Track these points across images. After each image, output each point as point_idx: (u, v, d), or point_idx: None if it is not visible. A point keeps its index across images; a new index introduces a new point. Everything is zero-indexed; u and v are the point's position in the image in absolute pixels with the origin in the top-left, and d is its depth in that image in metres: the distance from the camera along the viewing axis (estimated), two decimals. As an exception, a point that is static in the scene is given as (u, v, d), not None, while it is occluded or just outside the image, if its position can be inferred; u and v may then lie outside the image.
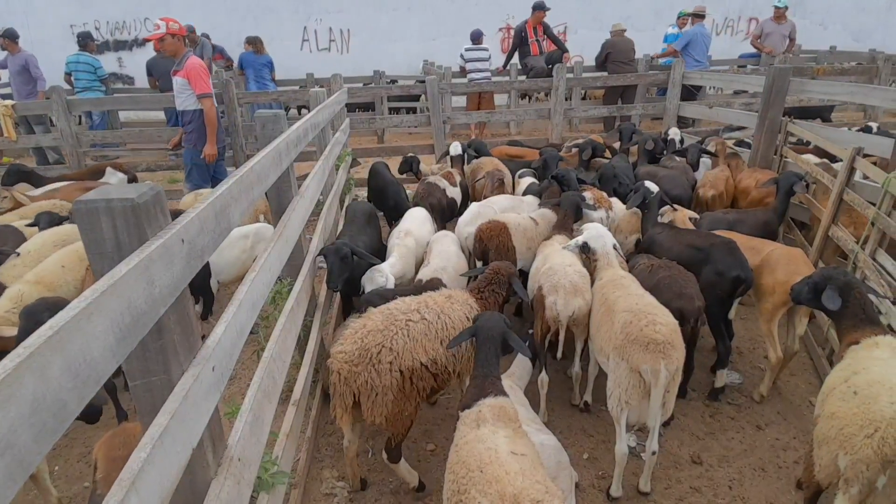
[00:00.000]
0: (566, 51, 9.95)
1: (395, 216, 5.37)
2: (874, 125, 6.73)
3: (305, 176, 4.01)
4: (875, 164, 4.61)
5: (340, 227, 4.85)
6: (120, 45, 14.34)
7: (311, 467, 3.14)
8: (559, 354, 3.34)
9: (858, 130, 6.28)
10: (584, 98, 11.96)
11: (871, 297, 2.86)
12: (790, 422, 3.45)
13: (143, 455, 1.29)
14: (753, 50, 11.07)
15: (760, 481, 3.01)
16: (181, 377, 1.60)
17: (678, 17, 9.63)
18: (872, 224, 3.77)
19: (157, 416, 1.43)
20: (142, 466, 1.26)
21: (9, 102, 7.13)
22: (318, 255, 3.75)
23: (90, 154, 7.30)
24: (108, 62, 13.68)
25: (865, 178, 4.37)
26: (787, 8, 10.31)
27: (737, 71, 10.03)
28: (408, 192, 5.82)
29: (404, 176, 6.51)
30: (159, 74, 9.73)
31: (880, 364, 2.36)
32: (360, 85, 11.49)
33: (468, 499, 1.88)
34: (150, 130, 7.67)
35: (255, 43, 9.75)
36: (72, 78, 9.26)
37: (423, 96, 12.49)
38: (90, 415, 2.83)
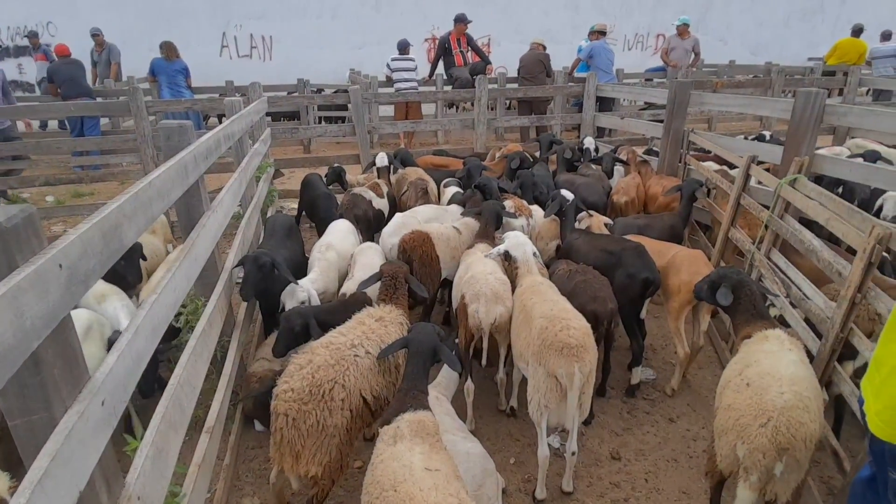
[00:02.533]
0: (489, 62, 10.21)
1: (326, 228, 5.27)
2: (767, 133, 7.37)
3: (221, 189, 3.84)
4: (768, 170, 5.05)
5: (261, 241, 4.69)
6: (20, 51, 13.22)
7: (230, 496, 2.98)
8: (484, 361, 3.38)
9: (754, 138, 6.84)
10: (508, 108, 12.27)
11: (767, 294, 3.11)
12: (699, 412, 3.68)
13: (22, 501, 1.18)
14: (660, 64, 11.85)
15: (674, 472, 3.19)
16: (65, 414, 1.47)
17: (590, 33, 10.19)
18: (766, 226, 4.11)
19: (37, 458, 1.31)
20: (17, 516, 1.15)
21: None
22: (237, 265, 3.59)
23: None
24: (8, 69, 12.59)
25: (760, 183, 4.77)
26: (688, 25, 11.15)
27: (644, 84, 10.70)
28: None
29: (330, 188, 6.39)
30: (61, 81, 9.04)
31: (770, 356, 2.56)
32: (284, 93, 11.20)
33: None
34: (48, 141, 7.05)
35: (165, 48, 9.26)
36: None
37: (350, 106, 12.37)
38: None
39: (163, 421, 2.06)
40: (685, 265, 3.63)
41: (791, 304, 3.54)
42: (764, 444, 2.23)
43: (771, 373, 2.42)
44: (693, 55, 11.29)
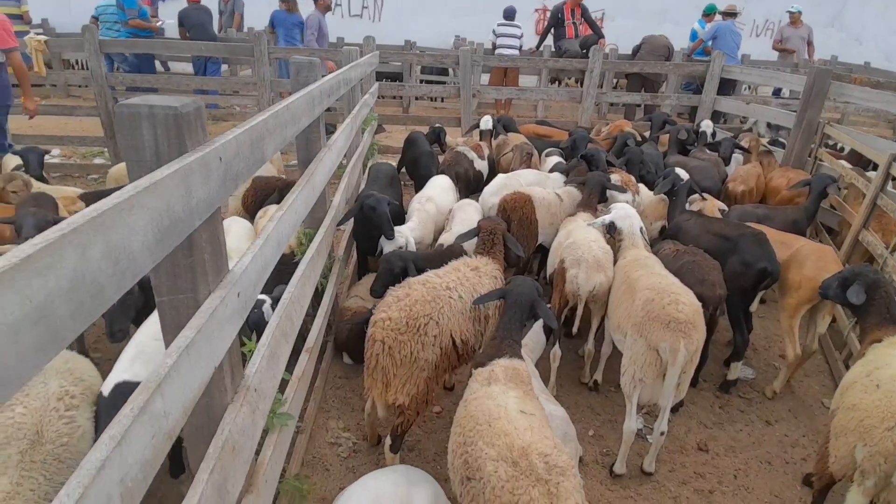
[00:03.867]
0: (602, 36, 9.75)
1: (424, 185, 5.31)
2: (908, 138, 6.56)
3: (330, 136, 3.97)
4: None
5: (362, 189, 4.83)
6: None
7: (318, 416, 3.16)
8: (575, 330, 3.31)
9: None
10: (615, 87, 11.75)
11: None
12: (800, 420, 3.41)
13: (170, 362, 1.29)
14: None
15: (766, 474, 2.99)
16: (208, 297, 1.59)
17: (705, 14, 9.39)
18: (905, 231, 3.68)
19: (185, 329, 1.43)
20: (168, 372, 1.26)
21: (42, 37, 7.13)
22: (345, 219, 3.72)
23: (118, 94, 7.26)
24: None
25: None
26: (800, 13, 10.21)
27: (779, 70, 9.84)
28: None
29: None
30: (190, 26, 9.66)
31: (905, 363, 2.31)
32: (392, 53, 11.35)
33: (475, 450, 1.88)
34: (177, 77, 7.65)
35: (288, 1, 9.62)
36: (98, 22, 9.22)
37: (451, 72, 12.35)
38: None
39: (277, 329, 2.19)
40: (811, 260, 3.32)
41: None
42: (888, 448, 2.04)
43: (906, 379, 2.18)
44: (807, 45, 10.29)
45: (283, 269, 2.74)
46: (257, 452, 2.07)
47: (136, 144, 1.41)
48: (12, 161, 4.80)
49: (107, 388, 2.25)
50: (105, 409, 2.19)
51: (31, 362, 0.85)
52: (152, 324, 2.55)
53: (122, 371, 2.32)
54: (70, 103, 9.74)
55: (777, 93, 9.93)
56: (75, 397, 2.13)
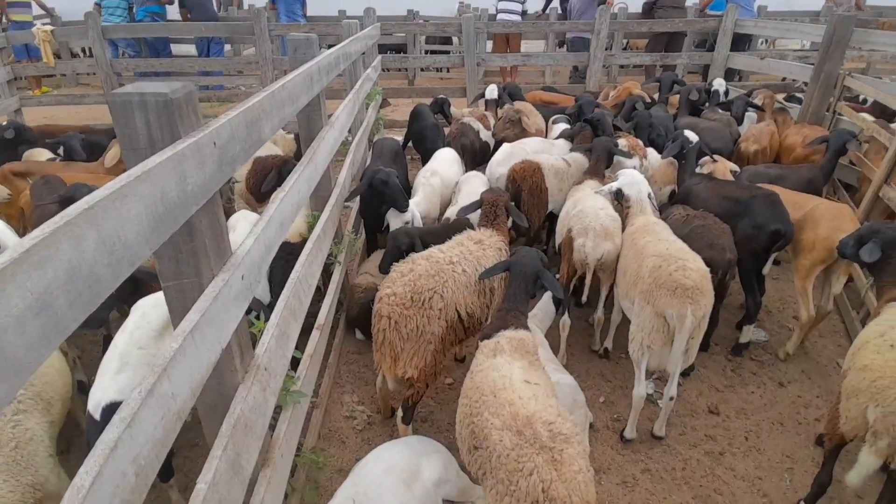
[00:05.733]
0: (610, -5, 9.44)
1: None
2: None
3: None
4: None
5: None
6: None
7: (333, 391, 3.23)
8: (584, 299, 3.31)
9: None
10: (625, 48, 11.43)
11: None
12: (814, 381, 3.40)
13: (175, 346, 1.33)
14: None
15: (778, 435, 3.00)
16: (211, 281, 1.62)
17: None
18: (927, 185, 3.57)
19: (189, 312, 1.46)
20: (173, 356, 1.30)
21: (48, 28, 7.13)
22: (352, 196, 3.71)
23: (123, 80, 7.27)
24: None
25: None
26: None
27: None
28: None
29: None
30: (191, 6, 9.58)
31: (920, 322, 2.27)
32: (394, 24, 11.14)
33: (481, 420, 1.92)
34: (181, 60, 7.63)
35: (287, -25, 9.44)
36: (101, 8, 9.18)
37: (455, 41, 12.10)
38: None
39: (285, 308, 2.23)
40: (826, 219, 3.25)
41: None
42: None
43: (921, 338, 2.15)
44: None
45: (290, 259, 2.67)
46: (273, 428, 2.14)
47: (131, 133, 1.42)
48: (42, 155, 4.86)
49: (95, 408, 2.10)
50: (96, 434, 1.95)
51: (38, 352, 0.88)
52: (132, 330, 2.34)
53: (107, 388, 2.14)
54: (78, 92, 9.80)
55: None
56: (23, 402, 2.11)
